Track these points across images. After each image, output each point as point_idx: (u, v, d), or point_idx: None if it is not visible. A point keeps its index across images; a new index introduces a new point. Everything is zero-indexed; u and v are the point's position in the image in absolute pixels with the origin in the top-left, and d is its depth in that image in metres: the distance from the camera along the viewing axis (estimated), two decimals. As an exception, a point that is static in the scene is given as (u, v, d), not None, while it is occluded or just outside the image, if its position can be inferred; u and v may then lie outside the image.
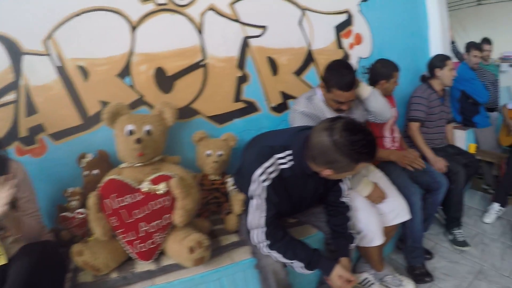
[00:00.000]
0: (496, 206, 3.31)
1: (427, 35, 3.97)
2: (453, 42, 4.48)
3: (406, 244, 2.48)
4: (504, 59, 7.24)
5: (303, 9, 2.66)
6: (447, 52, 3.79)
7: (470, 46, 4.01)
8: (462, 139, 3.86)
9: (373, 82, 2.62)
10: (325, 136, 1.34)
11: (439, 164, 2.77)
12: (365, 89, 2.16)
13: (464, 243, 2.82)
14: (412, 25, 3.72)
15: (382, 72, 2.59)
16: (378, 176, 2.36)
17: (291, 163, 1.52)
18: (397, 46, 3.42)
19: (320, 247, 1.90)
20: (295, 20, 2.62)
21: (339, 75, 1.98)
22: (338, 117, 1.43)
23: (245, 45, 2.41)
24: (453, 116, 3.51)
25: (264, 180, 1.49)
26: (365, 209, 2.06)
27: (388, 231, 2.21)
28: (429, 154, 2.87)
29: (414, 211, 2.32)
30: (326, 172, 1.45)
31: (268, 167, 1.49)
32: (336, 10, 2.87)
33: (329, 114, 2.10)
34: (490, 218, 3.31)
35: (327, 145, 1.34)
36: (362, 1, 3.05)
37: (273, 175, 1.50)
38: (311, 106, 2.11)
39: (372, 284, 2.27)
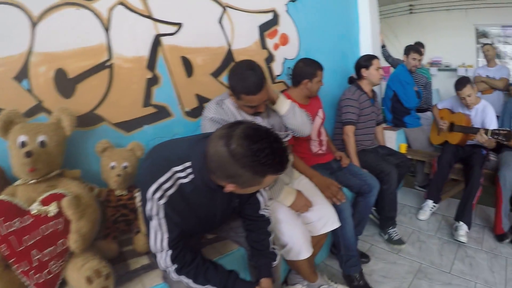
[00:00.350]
0: (429, 203, 3.43)
1: (357, 39, 4.00)
2: (383, 46, 4.57)
3: (339, 252, 2.38)
4: (433, 63, 7.96)
5: (225, 6, 2.48)
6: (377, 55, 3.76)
7: (410, 49, 4.08)
8: (392, 139, 3.93)
9: (296, 82, 2.52)
10: (222, 146, 1.14)
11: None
12: (283, 105, 2.02)
13: (400, 241, 2.88)
14: (343, 28, 3.72)
15: (305, 71, 2.48)
16: (303, 183, 2.23)
17: (192, 176, 1.29)
18: (326, 48, 3.39)
19: (243, 264, 1.76)
20: (214, 18, 2.43)
21: (243, 79, 1.78)
22: (237, 122, 1.23)
23: (156, 44, 2.17)
24: (383, 117, 3.56)
25: (160, 198, 1.25)
26: (289, 220, 1.92)
27: (317, 240, 2.12)
28: (356, 162, 2.89)
29: (343, 217, 2.23)
30: (229, 188, 1.25)
31: (164, 182, 1.26)
32: (261, 8, 2.74)
33: (245, 118, 1.95)
34: (424, 215, 3.42)
35: (224, 157, 1.14)
36: (290, 1, 2.96)
37: (170, 192, 1.27)
38: (222, 111, 1.91)
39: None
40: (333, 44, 3.52)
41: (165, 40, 2.21)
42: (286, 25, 2.93)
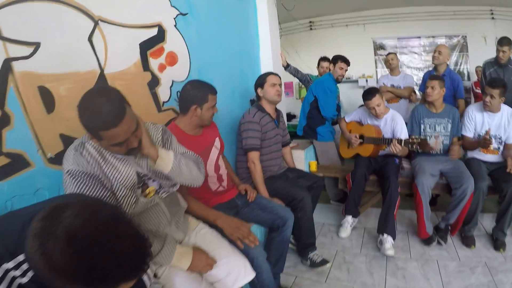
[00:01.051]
0: (349, 218, 3.43)
1: (258, 56, 3.89)
2: (288, 66, 4.65)
3: None
4: None
5: (97, 20, 2.03)
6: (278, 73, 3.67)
7: (338, 58, 4.17)
8: (301, 158, 3.92)
9: (183, 108, 2.19)
10: (36, 250, 0.74)
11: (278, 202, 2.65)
12: (165, 163, 1.60)
13: (323, 261, 2.80)
14: (242, 45, 3.57)
15: (193, 95, 2.15)
16: (201, 234, 1.89)
17: (31, 274, 0.88)
18: (223, 67, 3.17)
19: None
20: (83, 35, 1.96)
21: (96, 111, 1.35)
22: (64, 204, 0.79)
23: (6, 71, 1.63)
24: (289, 138, 3.49)
25: None
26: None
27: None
28: (265, 193, 2.71)
29: (258, 264, 1.94)
30: None
31: None
32: (144, 23, 2.34)
33: (114, 164, 1.51)
34: (345, 232, 3.41)
35: (40, 267, 0.75)
36: (180, 14, 2.63)
37: None
38: (82, 160, 1.43)
39: None
40: (232, 62, 3.32)
41: (17, 66, 1.68)
42: (174, 42, 2.59)
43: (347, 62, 4.16)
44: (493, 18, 7.82)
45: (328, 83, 4.01)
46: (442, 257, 2.88)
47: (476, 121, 3.30)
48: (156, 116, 2.39)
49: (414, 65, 8.38)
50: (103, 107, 1.33)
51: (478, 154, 3.31)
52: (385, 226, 2.99)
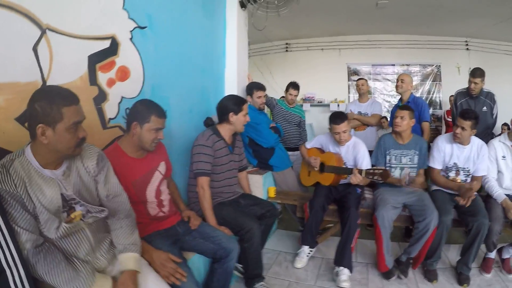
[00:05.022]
0: (305, 249, 3.39)
1: (223, 75, 3.95)
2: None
3: None
4: (306, 99, 8.86)
5: (45, 28, 1.96)
6: (241, 93, 3.85)
7: (253, 87, 4.07)
8: (259, 184, 3.89)
9: (127, 125, 2.16)
10: None
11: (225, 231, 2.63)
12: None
13: None
14: (206, 62, 3.63)
15: (136, 112, 2.12)
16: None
17: None
18: (182, 86, 3.21)
19: None
20: (28, 43, 1.88)
21: (56, 91, 1.50)
22: None
23: None
24: (247, 162, 3.54)
25: None
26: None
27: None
28: (212, 221, 2.68)
29: None
30: None
31: None
32: (96, 34, 2.30)
33: (40, 185, 1.49)
34: (301, 262, 3.38)
35: None
36: (137, 27, 2.63)
37: None
38: (8, 178, 1.40)
39: None
40: (193, 80, 3.36)
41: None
42: (128, 56, 2.55)
43: (262, 89, 4.12)
44: (467, 49, 8.28)
45: (250, 117, 4.00)
46: (402, 292, 2.90)
47: (446, 153, 3.35)
48: (100, 133, 2.35)
49: (387, 92, 8.69)
50: (61, 89, 1.51)
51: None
52: (342, 258, 2.99)
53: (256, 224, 2.71)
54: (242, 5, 4.38)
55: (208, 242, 2.34)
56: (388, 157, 3.48)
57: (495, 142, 3.34)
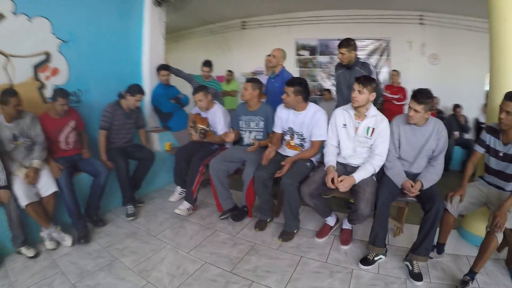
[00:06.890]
0: (178, 188, 4.48)
1: (140, 61, 5.10)
2: (168, 67, 5.34)
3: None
4: (255, 73, 9.15)
5: (8, 56, 3.51)
6: (154, 74, 5.14)
7: (158, 68, 5.07)
8: (156, 139, 5.00)
9: (53, 102, 3.61)
10: None
11: (107, 164, 3.93)
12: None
13: (131, 215, 3.95)
14: (123, 54, 4.76)
15: (54, 97, 3.57)
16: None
17: None
18: (101, 72, 4.45)
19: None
20: (1, 65, 3.48)
21: (5, 91, 3.08)
22: None
23: None
24: (143, 122, 4.62)
25: None
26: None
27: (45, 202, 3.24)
28: (103, 157, 3.94)
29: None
30: None
31: None
32: (36, 52, 3.79)
33: (3, 128, 3.17)
34: (173, 197, 4.51)
35: None
36: (62, 42, 4.02)
37: None
38: None
39: (45, 240, 3.23)
40: (111, 68, 4.57)
41: None
42: (57, 61, 3.96)
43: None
44: (421, 23, 8.04)
45: (155, 91, 5.02)
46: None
47: (282, 118, 3.59)
48: (42, 106, 3.88)
49: (333, 66, 7.99)
50: (10, 89, 3.13)
51: (283, 151, 3.70)
52: (188, 197, 4.02)
53: (121, 161, 3.94)
54: (158, 4, 5.23)
55: (89, 165, 3.75)
56: (240, 122, 4.00)
57: (338, 110, 3.25)
